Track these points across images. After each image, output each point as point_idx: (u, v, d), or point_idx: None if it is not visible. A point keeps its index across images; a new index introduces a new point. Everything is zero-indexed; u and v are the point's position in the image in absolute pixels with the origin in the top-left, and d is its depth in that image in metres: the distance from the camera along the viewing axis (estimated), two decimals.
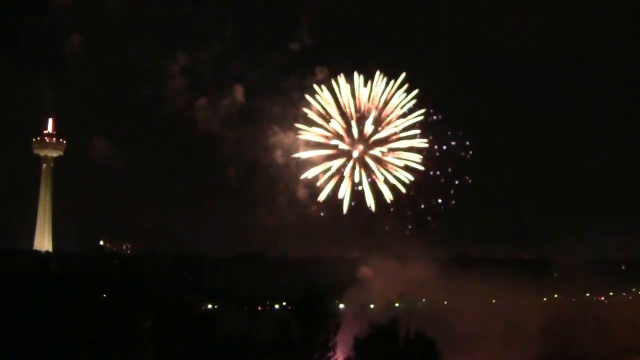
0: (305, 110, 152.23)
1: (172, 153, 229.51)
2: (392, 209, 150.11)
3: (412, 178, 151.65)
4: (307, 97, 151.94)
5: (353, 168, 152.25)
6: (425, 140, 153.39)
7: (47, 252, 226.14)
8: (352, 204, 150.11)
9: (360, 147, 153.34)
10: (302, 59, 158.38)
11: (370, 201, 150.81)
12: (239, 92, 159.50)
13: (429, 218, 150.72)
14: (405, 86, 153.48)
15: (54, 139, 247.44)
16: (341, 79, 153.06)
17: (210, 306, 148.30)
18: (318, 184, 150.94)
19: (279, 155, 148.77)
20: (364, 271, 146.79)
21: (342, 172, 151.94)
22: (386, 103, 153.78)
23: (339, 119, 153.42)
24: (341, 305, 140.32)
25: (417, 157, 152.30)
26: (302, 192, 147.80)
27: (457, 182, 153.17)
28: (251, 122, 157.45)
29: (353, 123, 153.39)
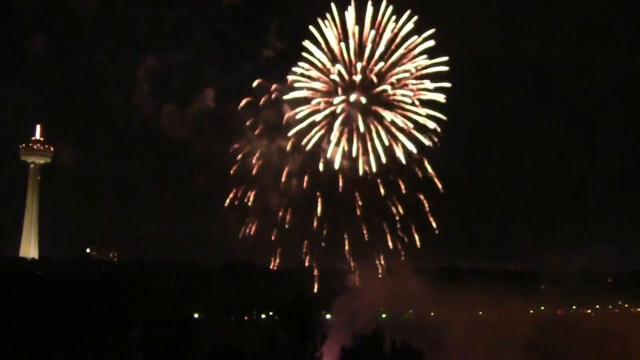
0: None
1: (157, 160, 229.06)
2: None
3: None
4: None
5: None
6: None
7: (33, 259, 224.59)
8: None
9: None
10: (274, 64, 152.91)
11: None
12: (209, 96, 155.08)
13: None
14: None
15: (42, 145, 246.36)
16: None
17: (196, 315, 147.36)
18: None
19: (252, 162, 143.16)
20: (352, 282, 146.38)
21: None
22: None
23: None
24: (328, 316, 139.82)
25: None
26: (275, 201, 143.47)
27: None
28: (224, 128, 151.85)
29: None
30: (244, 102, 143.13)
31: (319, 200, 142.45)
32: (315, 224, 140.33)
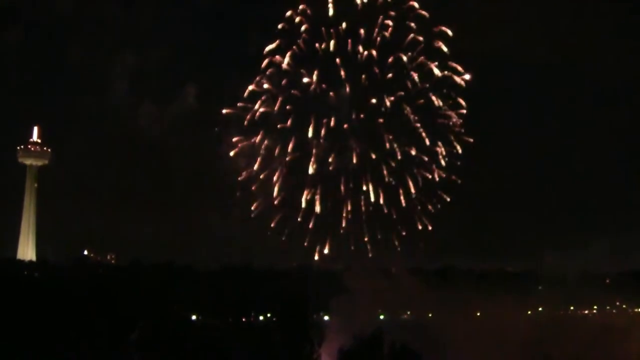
0: None
1: (154, 161, 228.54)
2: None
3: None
4: None
5: None
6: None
7: (30, 261, 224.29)
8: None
9: None
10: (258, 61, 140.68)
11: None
12: (190, 94, 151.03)
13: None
14: None
15: (39, 147, 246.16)
16: None
17: (194, 317, 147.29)
18: None
19: (241, 162, 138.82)
20: (350, 283, 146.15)
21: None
22: None
23: None
24: (326, 317, 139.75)
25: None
26: (259, 202, 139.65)
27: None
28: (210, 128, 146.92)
29: None
30: (227, 110, 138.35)
31: (306, 201, 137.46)
32: (310, 225, 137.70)
